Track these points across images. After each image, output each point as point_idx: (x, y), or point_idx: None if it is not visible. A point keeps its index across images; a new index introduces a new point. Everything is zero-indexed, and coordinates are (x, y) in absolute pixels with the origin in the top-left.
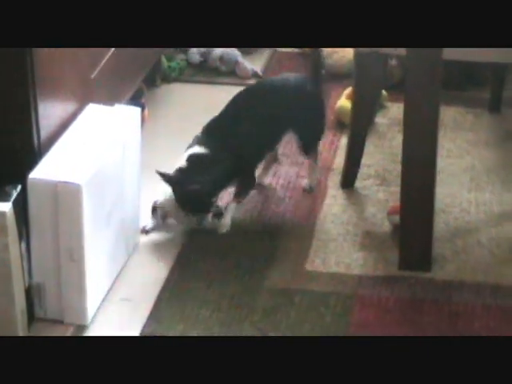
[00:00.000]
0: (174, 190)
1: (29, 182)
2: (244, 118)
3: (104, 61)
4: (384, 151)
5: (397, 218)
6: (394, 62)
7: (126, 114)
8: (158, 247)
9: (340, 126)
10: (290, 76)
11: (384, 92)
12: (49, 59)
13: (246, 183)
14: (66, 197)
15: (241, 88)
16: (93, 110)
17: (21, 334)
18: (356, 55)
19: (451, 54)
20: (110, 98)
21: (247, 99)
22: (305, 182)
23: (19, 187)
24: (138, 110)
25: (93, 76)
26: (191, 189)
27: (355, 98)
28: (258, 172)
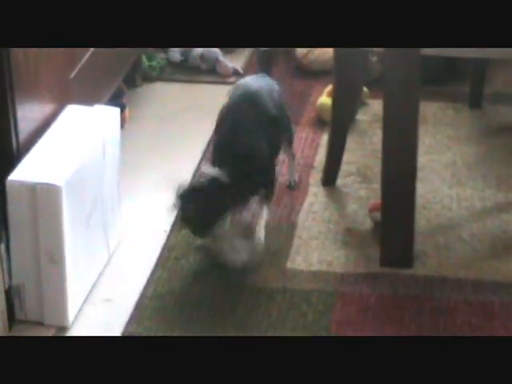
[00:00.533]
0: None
1: (8, 183)
2: (249, 128)
3: (83, 61)
4: (365, 148)
5: (378, 215)
6: (374, 58)
7: (106, 115)
8: (139, 247)
9: (321, 123)
10: (262, 78)
11: (365, 89)
12: (26, 61)
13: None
14: (45, 198)
15: (222, 86)
16: (72, 111)
17: (1, 335)
18: (336, 52)
19: (431, 49)
20: (89, 99)
21: (243, 110)
22: (286, 179)
23: None
24: (117, 110)
25: (71, 77)
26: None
27: (336, 95)
28: None
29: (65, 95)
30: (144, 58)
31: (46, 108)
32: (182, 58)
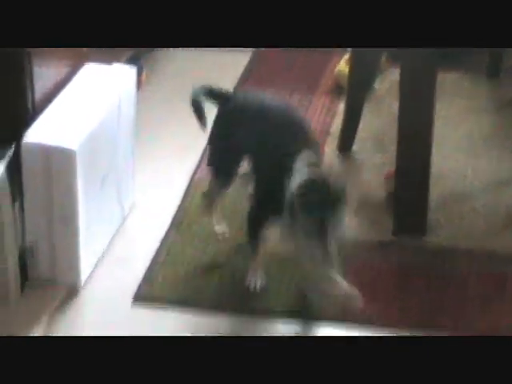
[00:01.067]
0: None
1: (22, 146)
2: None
3: None
4: (382, 116)
5: (393, 183)
6: None
7: (122, 74)
8: (153, 209)
9: (338, 90)
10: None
11: (384, 57)
12: None
13: None
14: (59, 162)
15: (242, 52)
16: (89, 70)
17: (13, 294)
18: None
19: None
20: (106, 59)
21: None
22: None
23: (13, 149)
24: (133, 69)
25: None
26: None
27: (353, 63)
28: None
29: (83, 54)
30: None
31: (63, 67)
32: None
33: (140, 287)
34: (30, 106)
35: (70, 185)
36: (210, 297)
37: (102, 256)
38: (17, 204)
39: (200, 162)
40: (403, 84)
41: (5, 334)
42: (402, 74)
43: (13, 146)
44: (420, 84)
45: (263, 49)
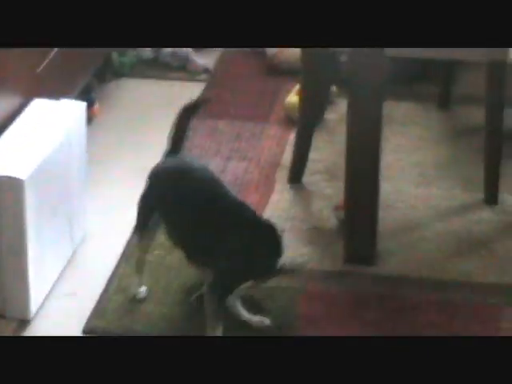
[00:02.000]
0: None
1: None
2: None
3: (51, 55)
4: (333, 147)
5: (343, 214)
6: (343, 57)
7: (72, 109)
8: (104, 241)
9: (289, 121)
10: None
11: (334, 88)
12: None
13: None
14: (7, 191)
15: (192, 83)
16: (38, 105)
17: None
18: (303, 52)
19: (400, 51)
20: (57, 93)
21: None
22: None
23: None
24: (83, 104)
25: (39, 71)
26: None
27: (303, 94)
28: None
29: (32, 89)
30: (115, 54)
31: (12, 102)
32: (153, 54)
33: (89, 320)
34: None
35: (18, 215)
36: (159, 328)
37: (52, 288)
38: None
39: None
40: (350, 114)
41: None
42: (349, 105)
43: None
44: (367, 114)
45: (218, 79)
